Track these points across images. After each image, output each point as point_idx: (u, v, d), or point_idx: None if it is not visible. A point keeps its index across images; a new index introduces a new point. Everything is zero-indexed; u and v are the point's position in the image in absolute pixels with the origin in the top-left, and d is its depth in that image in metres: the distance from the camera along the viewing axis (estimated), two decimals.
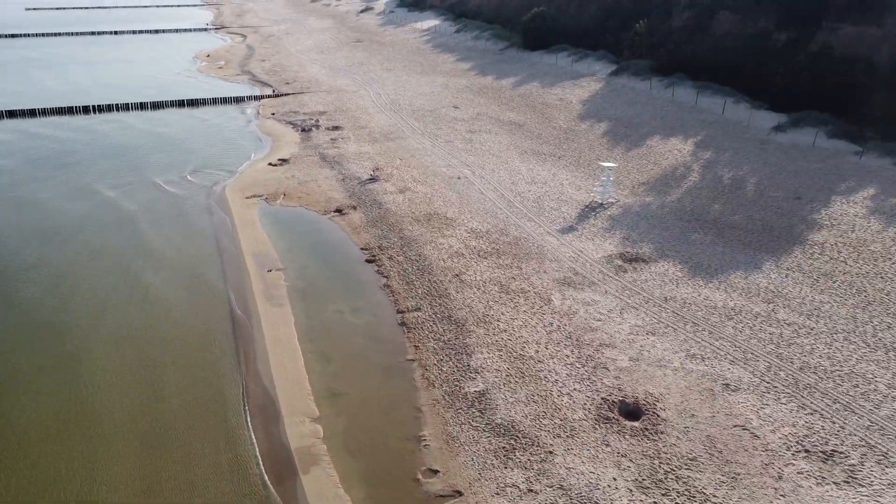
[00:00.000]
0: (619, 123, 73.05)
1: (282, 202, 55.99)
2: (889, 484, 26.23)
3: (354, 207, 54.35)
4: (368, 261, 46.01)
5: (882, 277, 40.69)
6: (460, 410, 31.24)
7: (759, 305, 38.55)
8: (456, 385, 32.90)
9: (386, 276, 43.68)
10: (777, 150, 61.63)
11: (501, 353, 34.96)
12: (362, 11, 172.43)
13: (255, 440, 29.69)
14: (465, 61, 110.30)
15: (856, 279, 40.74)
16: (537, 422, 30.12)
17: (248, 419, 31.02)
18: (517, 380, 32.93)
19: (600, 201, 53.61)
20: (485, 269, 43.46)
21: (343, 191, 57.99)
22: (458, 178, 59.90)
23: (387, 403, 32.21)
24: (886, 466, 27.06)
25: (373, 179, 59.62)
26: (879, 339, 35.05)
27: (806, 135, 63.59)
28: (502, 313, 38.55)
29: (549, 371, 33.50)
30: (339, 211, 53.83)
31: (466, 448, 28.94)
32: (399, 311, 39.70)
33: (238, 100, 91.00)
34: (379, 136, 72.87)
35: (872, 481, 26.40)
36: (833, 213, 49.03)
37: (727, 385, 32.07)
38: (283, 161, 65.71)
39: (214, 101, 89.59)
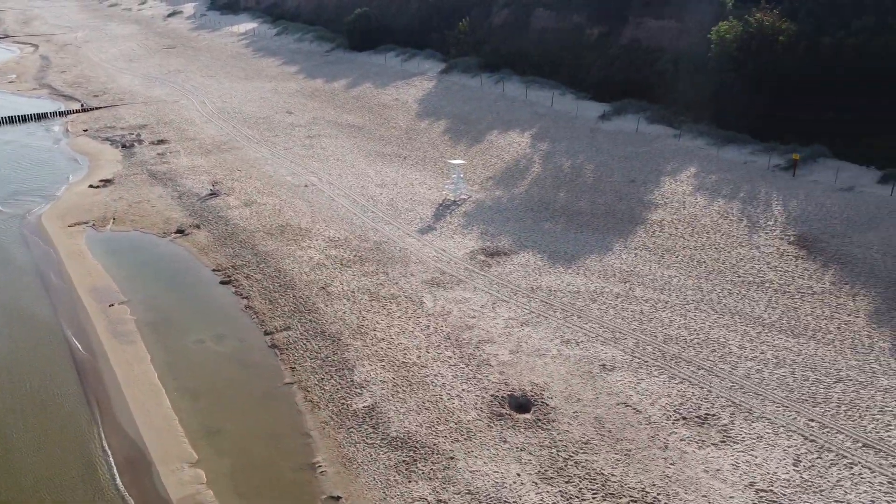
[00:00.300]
0: (457, 120, 74.31)
1: (112, 227, 50.83)
2: (757, 437, 28.64)
3: (198, 226, 50.55)
4: (224, 282, 42.96)
5: (716, 248, 44.63)
6: (352, 429, 29.94)
7: (617, 286, 40.74)
8: (343, 403, 31.51)
9: (246, 297, 41.01)
10: (606, 138, 65.73)
11: (384, 364, 34.02)
12: (170, 16, 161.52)
13: (128, 499, 26.46)
14: (291, 65, 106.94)
15: (694, 252, 44.34)
16: (433, 429, 29.59)
17: (117, 476, 27.61)
18: (405, 389, 32.18)
19: (453, 199, 54.10)
20: (351, 279, 42.17)
21: (182, 209, 53.76)
22: (306, 186, 57.78)
23: (271, 433, 30.13)
24: (752, 421, 29.54)
25: (213, 194, 55.88)
26: (724, 305, 38.35)
27: (629, 122, 68.40)
28: (377, 322, 37.57)
29: (435, 375, 33.10)
30: (180, 232, 49.81)
31: (366, 468, 27.76)
32: (267, 333, 37.40)
33: (40, 117, 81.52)
34: (211, 148, 68.52)
35: (744, 437, 28.69)
36: (664, 192, 53.12)
37: (604, 366, 33.50)
38: (107, 182, 59.72)
39: (12, 120, 79.55)
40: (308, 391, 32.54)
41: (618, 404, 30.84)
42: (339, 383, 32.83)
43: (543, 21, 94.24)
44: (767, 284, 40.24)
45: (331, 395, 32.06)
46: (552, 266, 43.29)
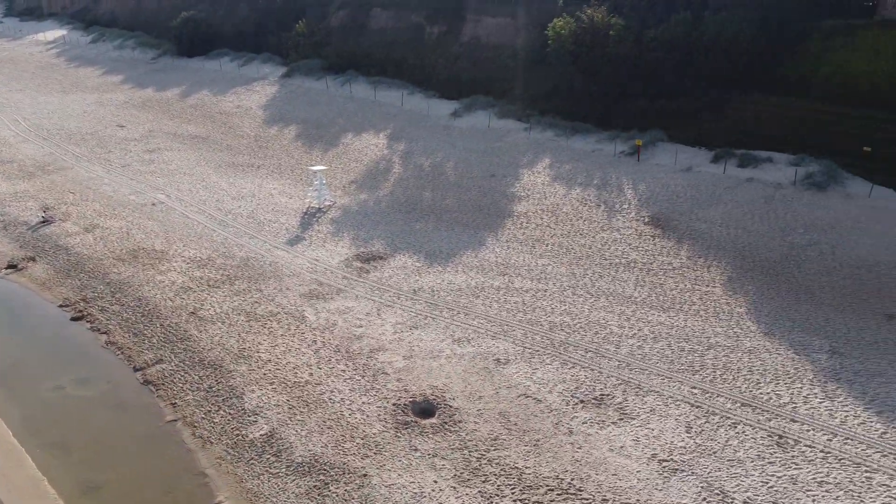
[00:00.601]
0: (307, 125, 72.22)
1: None
2: (650, 410, 30.25)
3: (33, 259, 45.15)
4: (75, 318, 38.67)
5: (581, 234, 46.74)
6: (252, 461, 27.99)
7: (496, 279, 41.42)
8: (237, 435, 29.38)
9: (105, 332, 37.16)
10: (460, 135, 66.79)
11: (275, 386, 32.17)
12: None
13: None
14: (114, 74, 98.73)
15: (562, 240, 46.15)
16: (340, 448, 28.38)
17: None
18: (302, 410, 30.62)
19: (317, 206, 52.44)
20: (222, 300, 39.53)
21: (10, 241, 47.75)
22: (154, 204, 53.48)
23: (162, 478, 27.45)
24: (643, 396, 31.16)
25: (46, 222, 50.17)
26: (598, 288, 40.22)
27: (479, 118, 69.97)
28: (260, 343, 35.48)
29: (332, 391, 31.81)
30: (12, 267, 44.24)
31: (275, 500, 26.04)
32: (137, 369, 34.09)
33: None
34: (34, 170, 61.53)
35: (638, 412, 30.18)
36: (525, 184, 54.87)
37: (498, 360, 33.87)
38: None
39: None
40: (195, 426, 30.00)
41: (519, 396, 31.29)
42: (230, 413, 30.60)
43: (382, 21, 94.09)
44: (632, 264, 42.75)
45: (222, 428, 29.79)
46: (430, 266, 43.19)
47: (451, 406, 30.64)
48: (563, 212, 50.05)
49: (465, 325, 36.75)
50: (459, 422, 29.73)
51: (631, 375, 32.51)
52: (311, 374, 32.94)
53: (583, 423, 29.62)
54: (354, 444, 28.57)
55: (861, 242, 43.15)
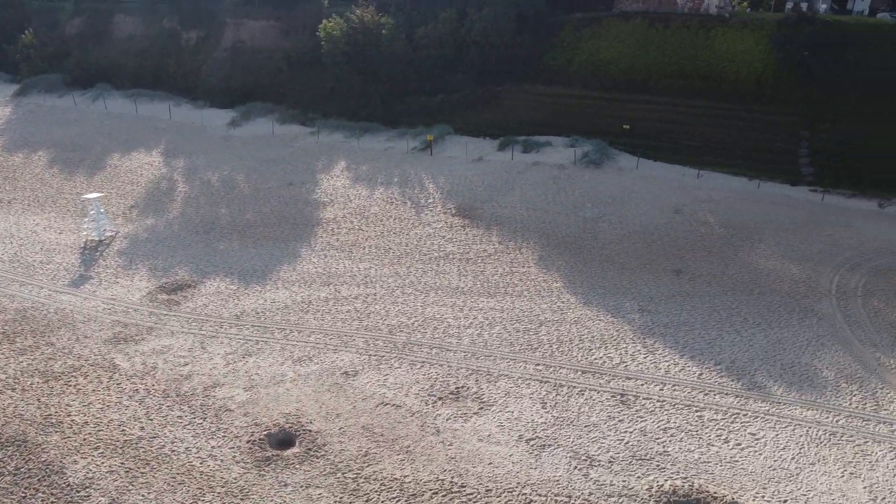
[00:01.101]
0: (61, 148, 63.58)
1: None
2: (505, 394, 31.24)
3: None
4: None
5: (394, 233, 46.77)
6: None
7: (322, 290, 39.93)
8: None
9: None
10: (243, 145, 63.30)
11: (102, 451, 27.89)
12: None
13: None
14: None
15: (378, 241, 45.80)
16: (200, 502, 25.43)
17: None
18: (143, 471, 26.91)
19: (98, 238, 46.42)
20: (5, 363, 33.37)
21: None
22: None
23: None
24: (495, 381, 32.05)
25: None
26: (425, 284, 40.56)
27: (261, 125, 66.92)
28: (69, 405, 30.52)
29: (173, 441, 28.38)
30: None
31: None
32: None
33: None
34: None
35: (495, 398, 30.99)
36: (326, 189, 53.55)
37: (346, 373, 32.70)
38: None
39: None
40: None
41: (377, 406, 30.48)
42: (52, 493, 25.91)
43: (129, 28, 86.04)
44: (451, 256, 43.76)
45: None
46: (247, 287, 40.39)
47: (310, 430, 28.94)
48: (371, 213, 49.69)
49: (302, 343, 34.94)
50: (324, 445, 28.19)
51: (479, 364, 33.26)
52: (142, 429, 29.07)
53: (447, 419, 29.68)
54: (216, 494, 25.78)
55: (640, 210, 48.52)
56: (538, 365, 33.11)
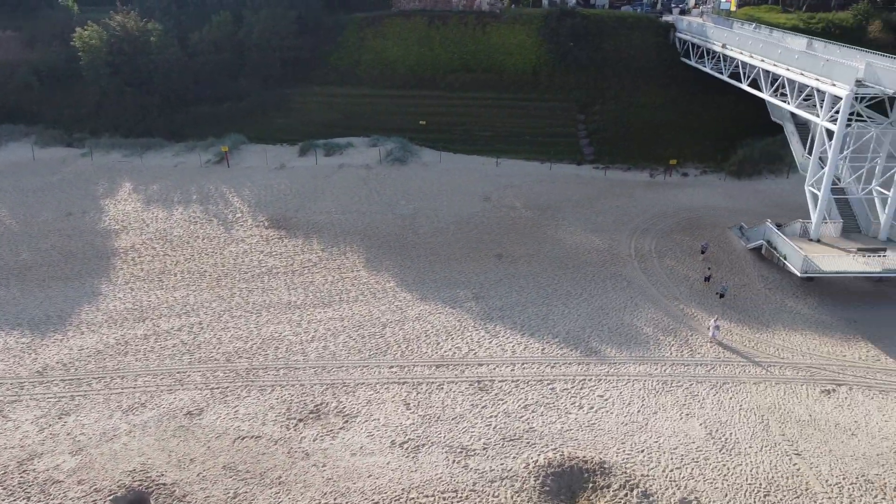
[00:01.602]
0: None
1: None
2: (367, 402, 30.50)
3: None
4: None
5: (207, 254, 43.40)
6: None
7: (137, 327, 35.88)
8: None
9: None
10: (1, 173, 54.77)
11: None
12: None
13: None
14: None
15: (190, 265, 42.19)
16: None
17: None
18: None
19: None
20: None
21: None
22: None
23: None
24: (353, 391, 31.18)
25: None
26: (254, 303, 38.21)
27: (15, 150, 58.32)
28: None
29: None
30: None
31: None
32: None
33: None
34: None
35: (357, 409, 30.17)
36: (116, 216, 48.07)
37: (190, 413, 29.80)
38: None
39: None
40: None
41: (234, 442, 28.20)
42: None
43: None
44: (275, 270, 41.70)
45: None
46: (44, 337, 35.09)
47: (164, 484, 25.97)
48: (175, 236, 45.65)
49: (129, 390, 31.18)
50: (184, 496, 25.46)
51: (332, 377, 32.15)
52: None
53: (313, 440, 28.32)
54: None
55: (452, 201, 50.01)
56: (392, 367, 32.81)
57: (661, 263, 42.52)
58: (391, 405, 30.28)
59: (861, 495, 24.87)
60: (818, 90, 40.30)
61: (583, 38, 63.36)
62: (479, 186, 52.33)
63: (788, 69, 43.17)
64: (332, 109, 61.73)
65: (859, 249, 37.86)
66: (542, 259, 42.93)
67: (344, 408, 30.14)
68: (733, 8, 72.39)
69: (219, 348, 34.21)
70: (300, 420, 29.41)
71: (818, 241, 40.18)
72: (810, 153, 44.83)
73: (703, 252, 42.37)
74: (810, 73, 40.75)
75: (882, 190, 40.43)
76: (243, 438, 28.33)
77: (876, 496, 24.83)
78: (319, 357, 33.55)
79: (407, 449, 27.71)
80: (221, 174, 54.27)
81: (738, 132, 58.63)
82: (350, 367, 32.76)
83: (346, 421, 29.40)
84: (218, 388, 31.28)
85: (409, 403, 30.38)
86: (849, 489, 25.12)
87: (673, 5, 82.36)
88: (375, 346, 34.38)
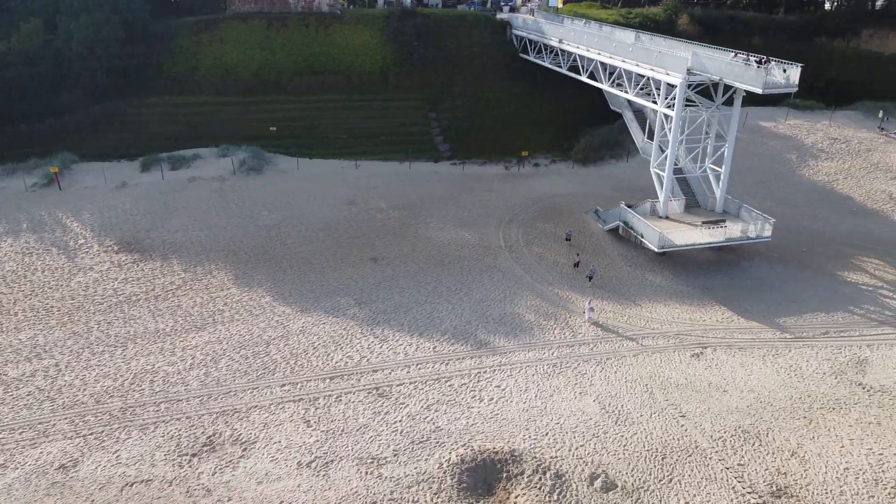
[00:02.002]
0: None
1: None
2: (264, 426, 28.93)
3: None
4: None
5: (51, 288, 39.08)
6: None
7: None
8: None
9: None
10: None
11: None
12: None
13: None
14: None
15: (33, 302, 37.80)
16: None
17: None
18: None
19: None
20: None
21: None
22: None
23: None
24: (246, 416, 29.45)
25: None
26: (117, 336, 34.93)
27: None
28: None
29: None
30: None
31: None
32: None
33: None
34: None
35: (255, 435, 28.52)
36: None
37: (63, 466, 26.74)
38: None
39: None
40: None
41: (122, 489, 25.67)
42: None
43: None
44: (135, 298, 38.39)
45: None
46: None
47: None
48: (8, 271, 40.62)
49: None
50: None
51: (220, 404, 30.20)
52: None
53: (212, 474, 26.45)
54: None
55: (317, 207, 48.70)
56: (284, 385, 31.43)
57: (531, 252, 44.20)
58: (290, 425, 29.00)
59: (742, 444, 27.39)
60: (654, 79, 43.76)
61: (426, 36, 64.19)
62: (343, 190, 51.42)
63: (624, 61, 46.45)
64: (174, 120, 57.80)
65: (704, 223, 41.66)
66: (418, 258, 43.05)
67: (240, 435, 28.43)
68: (560, 5, 76.71)
69: (84, 390, 30.94)
70: (193, 455, 27.35)
71: (666, 217, 43.68)
72: (650, 138, 48.66)
73: (568, 239, 44.58)
74: (645, 63, 44.12)
75: (714, 167, 44.71)
76: (132, 484, 25.88)
77: (754, 444, 27.46)
78: (202, 385, 31.38)
79: (315, 468, 26.68)
80: (54, 198, 48.99)
81: (581, 121, 62.35)
82: (238, 392, 30.96)
83: (245, 448, 27.76)
84: (91, 434, 28.31)
85: (308, 420, 29.26)
86: (731, 441, 27.59)
87: (502, 3, 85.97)
88: (262, 366, 32.74)
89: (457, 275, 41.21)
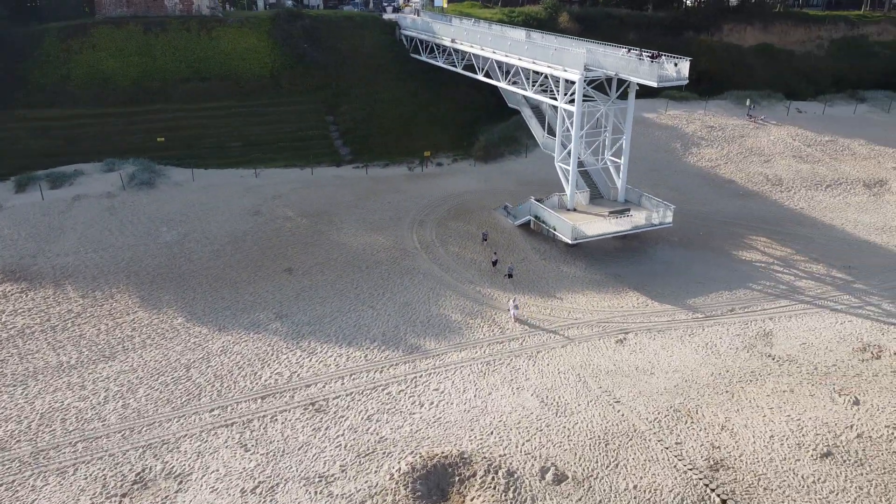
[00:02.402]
0: None
1: None
2: (197, 455, 27.25)
3: None
4: None
5: None
6: None
7: None
8: None
9: None
10: None
11: None
12: None
13: None
14: None
15: None
16: None
17: None
18: None
19: None
20: None
21: None
22: None
23: None
24: (178, 447, 27.62)
25: None
26: (12, 374, 31.79)
27: None
28: None
29: None
30: None
31: None
32: None
33: None
34: None
35: (190, 465, 26.81)
36: None
37: None
38: None
39: None
40: None
41: None
42: None
43: None
44: (28, 330, 35.09)
45: None
46: None
47: None
48: None
49: None
50: None
51: (145, 437, 28.18)
52: None
53: None
54: None
55: (220, 220, 46.43)
56: (213, 410, 29.79)
57: (447, 251, 44.32)
58: (226, 451, 27.53)
59: (675, 424, 28.78)
60: (552, 76, 45.05)
61: (315, 38, 62.84)
62: (245, 200, 49.33)
63: (521, 59, 47.51)
64: (47, 135, 53.19)
65: (611, 212, 43.42)
66: (334, 265, 42.08)
67: (172, 468, 26.66)
68: (445, 5, 77.44)
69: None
70: (124, 495, 25.38)
71: (574, 210, 45.15)
72: (550, 133, 50.09)
73: (484, 239, 44.87)
74: (542, 61, 45.31)
75: (614, 159, 46.70)
76: None
77: (686, 422, 28.93)
78: (122, 419, 29.17)
79: (261, 493, 25.48)
80: None
81: (478, 119, 63.38)
82: (164, 422, 29.02)
83: (181, 482, 26.07)
84: (2, 485, 25.60)
85: (245, 444, 27.90)
86: (665, 421, 28.91)
87: (385, 4, 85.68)
88: (185, 392, 30.86)
89: (377, 280, 40.64)
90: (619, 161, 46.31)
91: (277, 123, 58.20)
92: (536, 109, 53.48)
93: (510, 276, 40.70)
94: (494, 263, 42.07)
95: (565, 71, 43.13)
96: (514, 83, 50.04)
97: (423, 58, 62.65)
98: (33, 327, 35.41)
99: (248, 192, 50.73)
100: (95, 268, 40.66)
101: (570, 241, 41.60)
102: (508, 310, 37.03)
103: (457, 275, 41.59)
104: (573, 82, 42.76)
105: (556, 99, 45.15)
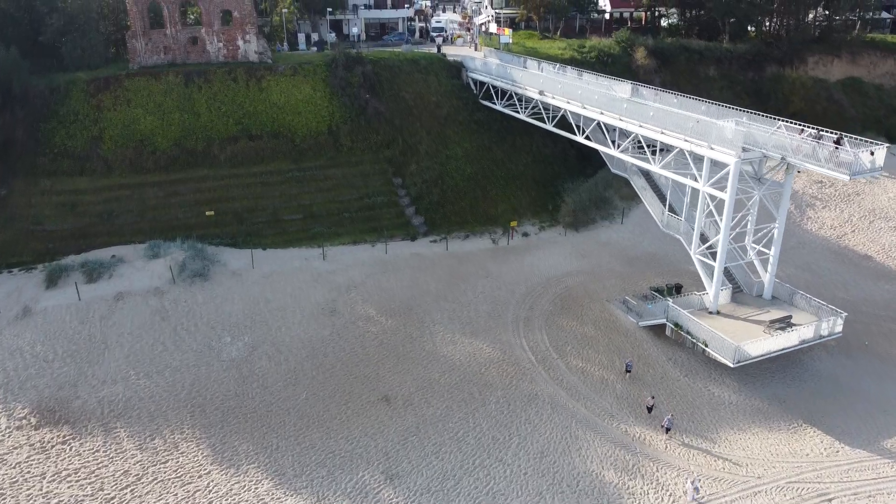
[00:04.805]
0: None
1: None
2: None
3: None
4: None
5: None
6: None
7: None
8: None
9: None
10: None
11: None
12: None
13: None
14: None
15: None
16: None
17: None
18: None
19: None
20: None
21: None
22: None
23: None
24: None
25: None
26: None
27: None
28: None
29: None
30: None
31: None
32: None
33: None
34: None
35: None
36: None
37: None
38: None
39: None
40: None
41: None
42: None
43: None
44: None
45: None
46: None
47: None
48: None
49: None
50: None
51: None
52: None
53: None
54: None
55: (292, 324, 38.91)
56: None
57: (569, 365, 36.77)
58: None
59: None
60: (691, 153, 37.54)
61: (377, 86, 55.37)
62: (317, 294, 41.69)
63: (642, 125, 40.07)
64: (76, 211, 45.67)
65: (770, 323, 35.91)
66: (439, 391, 34.54)
67: None
68: (511, 40, 69.92)
69: None
70: None
71: (718, 313, 37.70)
72: (671, 210, 42.61)
73: (628, 371, 36.06)
74: (675, 133, 37.85)
75: (763, 249, 39.23)
76: None
77: None
78: None
79: None
80: None
81: (558, 174, 56.23)
82: None
83: None
84: None
85: None
86: None
87: (434, 34, 78.36)
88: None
89: (496, 415, 33.07)
90: (767, 252, 38.88)
91: (339, 189, 50.62)
92: (649, 177, 45.99)
93: (668, 429, 32.01)
94: (650, 410, 33.46)
95: (712, 150, 35.67)
96: (628, 150, 42.69)
97: (500, 107, 55.19)
98: (83, 500, 27.86)
99: (318, 281, 43.04)
100: (151, 401, 33.11)
101: (731, 365, 33.96)
102: (685, 492, 28.84)
103: (591, 404, 34.01)
104: (723, 163, 35.37)
105: (693, 178, 37.75)
